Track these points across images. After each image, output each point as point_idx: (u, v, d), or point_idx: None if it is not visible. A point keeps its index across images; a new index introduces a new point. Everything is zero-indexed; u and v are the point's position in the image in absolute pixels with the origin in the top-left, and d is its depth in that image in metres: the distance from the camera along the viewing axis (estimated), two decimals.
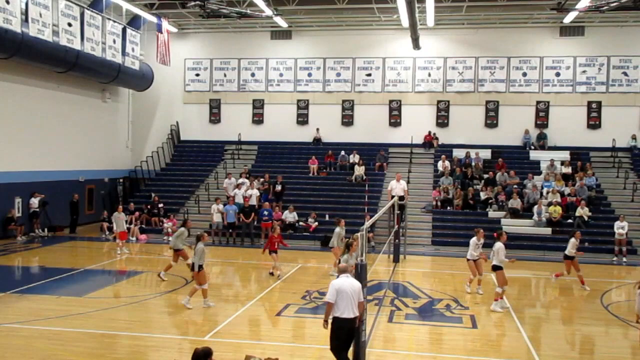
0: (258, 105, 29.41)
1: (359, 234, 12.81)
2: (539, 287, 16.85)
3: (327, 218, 23.18)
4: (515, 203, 22.55)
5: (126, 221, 21.35)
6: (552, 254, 20.37)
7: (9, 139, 21.64)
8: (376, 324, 11.42)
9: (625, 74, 26.48)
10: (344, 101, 28.67)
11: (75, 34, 21.47)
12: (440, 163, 25.45)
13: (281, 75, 29.21)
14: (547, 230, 21.65)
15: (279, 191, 24.45)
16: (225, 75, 29.70)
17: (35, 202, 22.57)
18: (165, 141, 29.83)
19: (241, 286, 15.88)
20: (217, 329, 11.12)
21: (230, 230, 22.54)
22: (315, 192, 25.42)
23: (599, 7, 22.07)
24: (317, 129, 28.66)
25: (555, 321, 12.51)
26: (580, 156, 25.84)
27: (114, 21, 24.31)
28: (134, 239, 22.67)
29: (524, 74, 27.25)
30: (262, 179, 25.23)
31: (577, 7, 22.17)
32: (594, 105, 26.75)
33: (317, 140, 28.65)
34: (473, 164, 25.55)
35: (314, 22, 27.98)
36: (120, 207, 21.38)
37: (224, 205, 22.67)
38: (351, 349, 8.62)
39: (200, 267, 12.45)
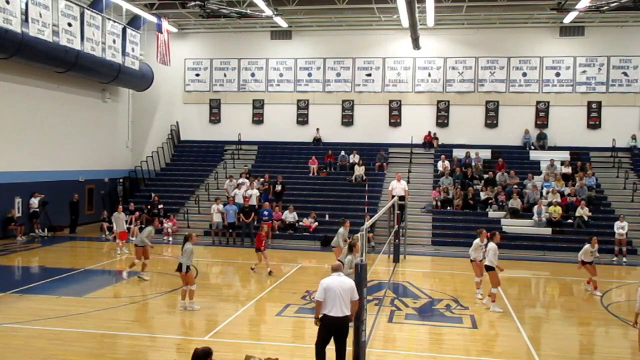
0: (258, 105, 29.41)
1: (359, 234, 12.86)
2: (539, 287, 16.86)
3: (327, 218, 23.19)
4: (515, 203, 22.55)
5: (126, 221, 21.35)
6: (552, 254, 20.41)
7: (9, 139, 21.64)
8: (376, 324, 11.42)
9: (625, 74, 26.48)
10: (344, 101, 28.67)
11: (75, 34, 21.47)
12: (440, 163, 25.45)
13: (281, 75, 29.21)
14: (547, 230, 21.65)
15: (279, 191, 24.46)
16: (225, 75, 29.71)
17: (35, 202, 22.57)
18: (165, 141, 29.83)
19: (241, 286, 15.88)
20: (217, 329, 11.13)
21: (230, 230, 22.54)
22: (315, 192, 25.42)
23: (599, 7, 22.07)
24: (317, 129, 28.66)
25: (555, 321, 12.50)
26: (580, 156, 25.84)
27: (114, 21, 24.31)
28: (134, 239, 22.63)
29: (524, 74, 27.25)
30: (262, 179, 25.24)
31: (577, 7, 22.18)
32: (594, 105, 26.75)
33: (317, 140, 28.65)
34: (473, 164, 25.55)
35: (314, 22, 27.98)
36: (120, 207, 21.38)
37: (224, 205, 22.68)
38: (351, 348, 8.63)
39: (188, 268, 12.33)
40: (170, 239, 22.36)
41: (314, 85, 28.89)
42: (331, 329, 8.11)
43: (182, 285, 12.71)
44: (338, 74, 28.73)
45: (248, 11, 23.87)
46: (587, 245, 14.58)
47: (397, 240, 18.49)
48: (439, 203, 23.68)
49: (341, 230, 15.86)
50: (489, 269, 12.89)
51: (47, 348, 9.68)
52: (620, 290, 15.73)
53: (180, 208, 25.13)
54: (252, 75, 29.45)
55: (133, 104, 30.27)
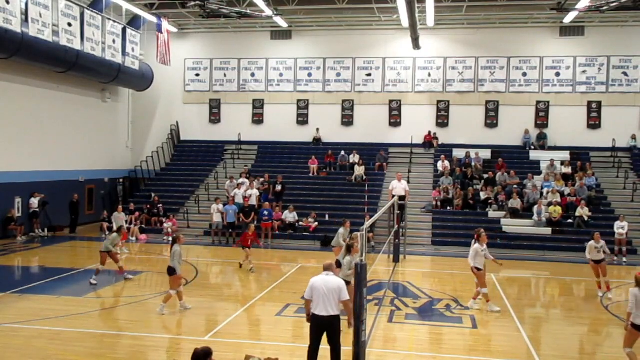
0: (258, 105, 29.41)
1: (358, 234, 12.85)
2: (539, 287, 16.86)
3: (327, 218, 23.19)
4: (515, 203, 22.55)
5: (126, 221, 21.35)
6: (552, 254, 20.41)
7: (9, 139, 21.64)
8: (376, 324, 11.43)
9: (625, 74, 26.48)
10: (344, 101, 28.67)
11: (75, 34, 21.48)
12: (440, 163, 25.45)
13: (281, 75, 29.21)
14: (547, 230, 21.65)
15: (279, 191, 24.46)
16: (225, 75, 29.71)
17: (35, 202, 22.57)
18: (165, 141, 29.83)
19: (241, 286, 15.87)
20: (217, 329, 11.13)
21: (230, 230, 22.54)
22: (315, 192, 25.42)
23: (599, 7, 22.08)
24: (317, 129, 28.66)
25: (555, 321, 12.51)
26: (580, 156, 25.84)
27: (114, 21, 24.32)
28: (134, 239, 22.68)
29: (524, 74, 27.25)
30: (262, 179, 25.24)
31: (577, 7, 22.17)
32: (594, 105, 26.75)
33: (317, 140, 28.65)
34: (473, 164, 25.55)
35: (314, 22, 27.98)
36: (120, 207, 21.42)
37: (224, 205, 22.67)
38: (351, 348, 8.62)
39: (175, 271, 12.08)
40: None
41: (314, 85, 28.89)
42: (318, 328, 8.12)
43: (182, 285, 12.69)
44: (338, 74, 28.72)
45: (248, 11, 23.87)
46: (590, 242, 14.40)
47: (397, 240, 18.49)
48: (439, 203, 23.68)
49: (341, 230, 15.87)
50: (477, 269, 12.80)
51: (47, 348, 9.68)
52: (620, 290, 15.69)
53: (180, 208, 25.13)
54: (252, 75, 29.45)
55: (133, 104, 30.28)
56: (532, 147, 26.79)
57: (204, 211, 24.37)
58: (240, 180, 24.54)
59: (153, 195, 25.49)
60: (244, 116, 29.43)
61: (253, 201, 23.22)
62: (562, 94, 27.00)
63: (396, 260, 18.46)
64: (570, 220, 21.85)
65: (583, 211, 21.69)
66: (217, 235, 22.59)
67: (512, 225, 21.96)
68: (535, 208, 22.14)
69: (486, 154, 26.49)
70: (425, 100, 28.03)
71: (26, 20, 19.08)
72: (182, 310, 12.17)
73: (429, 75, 27.97)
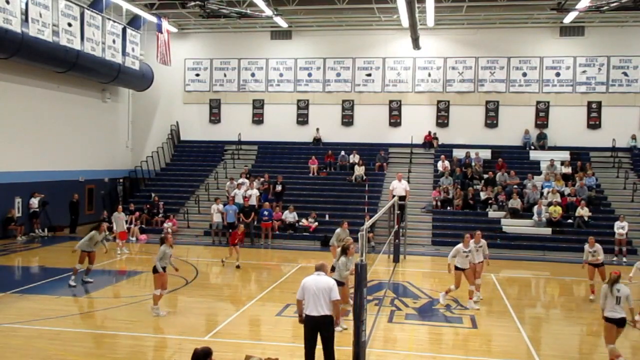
0: (258, 105, 29.41)
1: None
2: (539, 287, 16.86)
3: (327, 218, 23.19)
4: (515, 203, 22.55)
5: (126, 221, 21.35)
6: (552, 254, 20.41)
7: (9, 139, 21.64)
8: (376, 324, 11.42)
9: (625, 74, 26.48)
10: (344, 101, 28.67)
11: (75, 34, 21.48)
12: (440, 163, 25.45)
13: (281, 75, 29.21)
14: (547, 231, 21.65)
15: (279, 191, 24.46)
16: (225, 75, 29.71)
17: (35, 202, 22.58)
18: (165, 141, 29.83)
19: (241, 286, 15.87)
20: (217, 329, 11.13)
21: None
22: (315, 192, 25.42)
23: (599, 7, 22.07)
24: (317, 129, 28.66)
25: (555, 321, 12.51)
26: (580, 156, 25.84)
27: (114, 21, 24.32)
28: (134, 239, 22.67)
29: (524, 74, 27.25)
30: (262, 179, 25.24)
31: (577, 7, 22.17)
32: (594, 105, 26.75)
33: (317, 140, 28.65)
34: (473, 164, 25.55)
35: (314, 22, 27.98)
36: (120, 207, 21.39)
37: (224, 205, 22.66)
38: (351, 349, 8.63)
39: (156, 270, 11.89)
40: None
41: (314, 85, 28.89)
42: (311, 328, 8.12)
43: (182, 285, 12.70)
44: (338, 74, 28.72)
45: (248, 11, 23.87)
46: (585, 246, 14.42)
47: (397, 240, 18.49)
48: (439, 203, 23.68)
49: (338, 230, 15.86)
50: (456, 268, 13.00)
51: (47, 348, 9.68)
52: None
53: (180, 208, 25.13)
54: (252, 75, 29.45)
55: (133, 104, 30.28)
56: (532, 147, 26.79)
57: (204, 211, 24.37)
58: (240, 180, 24.53)
59: (153, 195, 25.49)
60: (244, 116, 29.42)
61: (253, 201, 23.21)
62: (562, 94, 26.99)
63: (396, 260, 18.46)
64: (570, 221, 21.85)
65: (583, 211, 21.69)
66: (217, 235, 22.58)
67: (512, 226, 21.96)
68: (535, 208, 22.14)
69: (486, 154, 26.49)
70: (425, 100, 28.03)
71: (26, 20, 19.09)
72: (154, 315, 11.74)
73: (429, 75, 27.97)
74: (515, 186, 23.65)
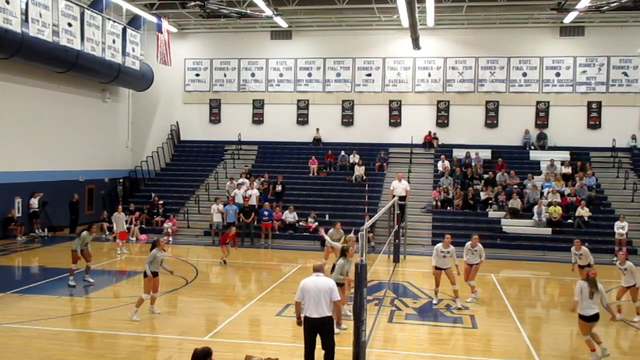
0: (258, 105, 29.41)
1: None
2: (539, 287, 16.86)
3: (327, 218, 23.18)
4: (515, 203, 22.55)
5: (126, 221, 21.35)
6: (552, 254, 20.39)
7: (9, 139, 21.64)
8: (376, 324, 11.42)
9: (625, 74, 26.47)
10: (344, 101, 28.66)
11: (75, 34, 21.47)
12: (440, 163, 25.45)
13: (281, 75, 29.21)
14: (547, 231, 21.65)
15: (279, 191, 24.46)
16: (225, 75, 29.71)
17: (35, 202, 22.57)
18: (165, 141, 29.83)
19: (241, 286, 15.88)
20: (217, 329, 11.13)
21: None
22: (315, 192, 25.41)
23: (599, 7, 22.07)
24: (317, 129, 28.66)
25: (555, 321, 12.51)
26: (580, 156, 25.83)
27: (114, 21, 24.32)
28: (134, 239, 22.67)
29: (524, 74, 27.25)
30: (262, 179, 25.23)
31: (577, 7, 22.16)
32: (594, 105, 26.75)
33: (317, 140, 28.65)
34: (473, 164, 25.54)
35: (314, 22, 27.97)
36: (120, 207, 21.39)
37: (224, 205, 22.66)
38: (351, 349, 8.63)
39: (145, 274, 11.77)
40: (170, 239, 22.34)
41: (314, 85, 28.89)
42: (311, 330, 8.09)
43: (182, 285, 12.70)
44: (338, 74, 28.72)
45: (248, 11, 23.87)
46: (572, 248, 14.37)
47: (397, 240, 18.49)
48: (439, 203, 23.67)
49: (331, 230, 15.81)
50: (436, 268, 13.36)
51: (47, 348, 9.68)
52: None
53: (180, 208, 25.12)
54: (252, 75, 29.45)
55: (133, 104, 30.27)
56: (532, 147, 26.78)
57: (204, 211, 24.36)
58: (240, 180, 24.53)
59: (153, 195, 25.49)
60: (244, 116, 29.42)
61: (253, 201, 23.21)
62: (562, 94, 26.99)
63: (396, 260, 18.45)
64: (570, 221, 21.84)
65: (583, 211, 21.68)
66: (217, 235, 22.51)
67: (512, 226, 21.96)
68: (535, 208, 22.13)
69: (486, 154, 26.49)
70: (425, 100, 28.03)
71: (26, 20, 19.08)
72: (131, 316, 11.47)
73: (429, 75, 27.96)
74: (515, 186, 23.65)
